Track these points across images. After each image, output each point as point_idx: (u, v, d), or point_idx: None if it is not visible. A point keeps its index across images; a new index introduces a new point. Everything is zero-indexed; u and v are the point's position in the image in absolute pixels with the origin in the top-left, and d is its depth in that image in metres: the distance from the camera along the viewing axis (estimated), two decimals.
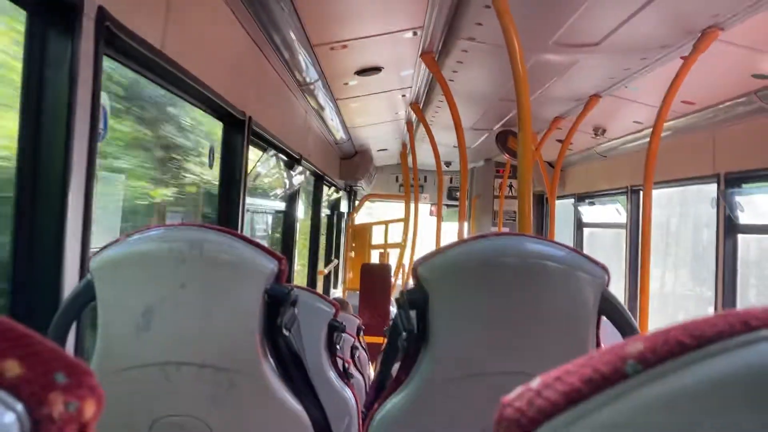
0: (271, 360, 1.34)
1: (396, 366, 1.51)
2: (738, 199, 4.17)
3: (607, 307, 1.32)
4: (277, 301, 1.32)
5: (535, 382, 0.40)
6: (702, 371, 0.34)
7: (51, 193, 1.52)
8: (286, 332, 1.32)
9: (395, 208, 10.05)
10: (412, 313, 1.34)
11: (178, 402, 1.31)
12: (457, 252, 1.37)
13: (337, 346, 2.41)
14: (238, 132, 3.12)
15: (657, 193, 4.99)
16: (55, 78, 1.50)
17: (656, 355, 0.36)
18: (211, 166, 3.12)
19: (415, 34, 3.69)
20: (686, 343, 0.36)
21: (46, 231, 1.52)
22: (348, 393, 2.32)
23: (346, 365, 2.88)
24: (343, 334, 2.60)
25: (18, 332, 0.40)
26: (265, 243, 5.34)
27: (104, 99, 1.71)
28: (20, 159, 1.52)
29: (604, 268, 1.34)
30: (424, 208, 9.95)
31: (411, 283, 1.39)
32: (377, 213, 11.25)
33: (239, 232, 3.12)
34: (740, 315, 0.36)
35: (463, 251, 1.37)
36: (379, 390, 1.60)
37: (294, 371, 1.36)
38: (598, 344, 1.33)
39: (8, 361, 0.37)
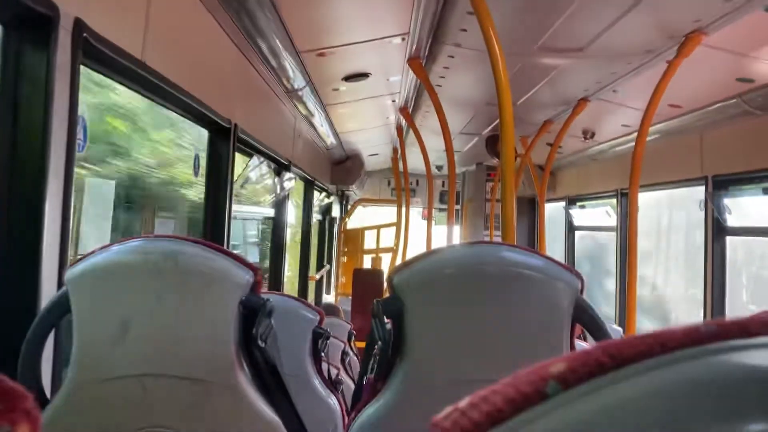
0: (247, 371, 1.34)
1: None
2: (726, 201, 4.20)
3: (581, 313, 1.33)
4: (252, 312, 1.32)
5: (464, 402, 0.40)
6: (619, 391, 0.35)
7: (28, 205, 1.52)
8: (261, 343, 1.32)
9: (388, 213, 10.06)
10: (388, 323, 1.35)
11: (155, 414, 1.31)
12: (433, 261, 1.37)
13: (322, 353, 2.41)
14: (224, 139, 3.12)
15: (647, 196, 5.02)
16: (31, 90, 1.50)
17: (576, 375, 0.36)
18: (196, 174, 3.12)
19: (402, 39, 3.70)
20: (605, 363, 0.36)
21: (23, 242, 1.52)
22: (333, 400, 2.31)
23: (336, 371, 2.88)
24: (333, 340, 2.60)
25: None
26: (255, 249, 5.31)
27: (83, 110, 1.70)
28: None
29: (578, 275, 1.34)
30: (417, 212, 9.97)
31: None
32: (370, 218, 11.25)
33: (226, 239, 3.14)
34: (658, 336, 0.36)
35: (439, 260, 1.37)
36: (357, 396, 1.60)
37: (270, 382, 1.37)
38: (572, 350, 1.34)
39: None
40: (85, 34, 1.62)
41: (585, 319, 1.33)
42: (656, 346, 0.36)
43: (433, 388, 1.32)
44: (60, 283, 1.59)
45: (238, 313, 1.31)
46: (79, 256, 2.10)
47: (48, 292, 1.55)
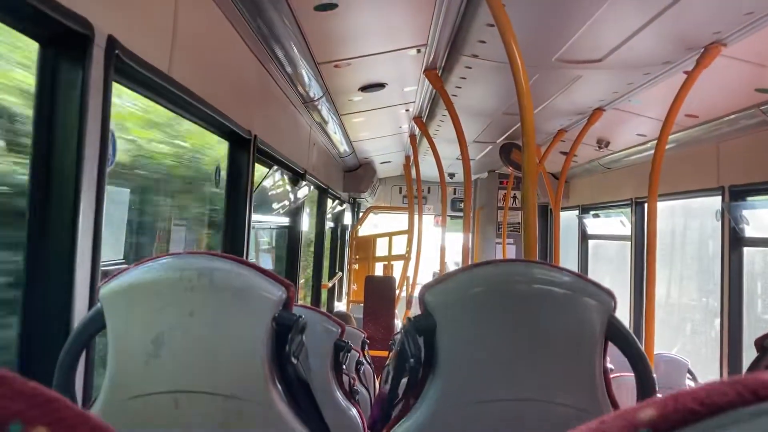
0: (280, 387, 1.34)
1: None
2: (743, 211, 4.18)
3: (614, 332, 1.32)
4: (285, 329, 1.33)
5: None
6: None
7: (62, 220, 1.53)
8: (294, 360, 1.33)
9: (401, 220, 10.06)
10: (420, 339, 1.35)
11: (187, 430, 1.31)
12: (464, 278, 1.38)
13: (344, 366, 2.41)
14: (244, 150, 3.14)
15: (661, 205, 5.00)
16: (66, 106, 1.52)
17: (668, 423, 0.37)
18: (217, 185, 3.14)
19: (418, 51, 3.71)
20: (698, 411, 0.36)
21: (56, 258, 1.53)
22: (354, 412, 2.32)
23: (352, 381, 2.89)
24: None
25: (46, 396, 0.41)
26: (269, 257, 5.33)
27: (112, 125, 1.72)
28: (32, 185, 1.53)
29: (610, 294, 1.34)
30: (428, 219, 9.97)
31: (416, 300, 1.40)
32: (382, 225, 11.25)
33: (245, 249, 3.15)
34: (749, 384, 0.37)
35: (470, 277, 1.38)
36: (386, 412, 1.60)
37: (302, 398, 1.37)
38: (604, 371, 1.34)
39: (38, 428, 0.38)
40: (117, 51, 1.64)
41: (618, 338, 1.33)
42: (747, 394, 0.37)
43: (465, 407, 1.33)
44: (92, 298, 1.60)
45: (271, 330, 1.32)
46: (103, 267, 2.12)
47: (81, 307, 1.56)
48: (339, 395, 2.29)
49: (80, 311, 1.54)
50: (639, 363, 1.35)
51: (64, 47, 1.52)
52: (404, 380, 1.53)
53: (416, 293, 7.32)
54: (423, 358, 1.35)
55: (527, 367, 1.32)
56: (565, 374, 1.32)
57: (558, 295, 1.33)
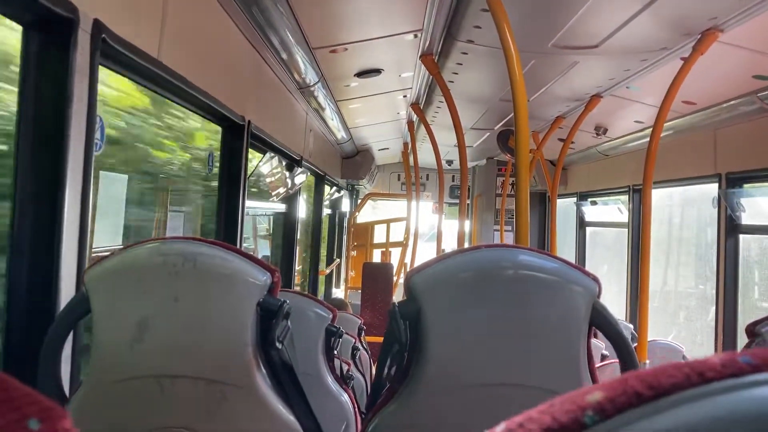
0: (264, 372, 1.35)
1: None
2: (739, 199, 4.17)
3: (598, 318, 1.33)
4: (270, 314, 1.33)
5: (500, 428, 0.41)
6: (657, 423, 0.35)
7: (47, 206, 1.53)
8: (279, 344, 1.34)
9: (400, 207, 10.06)
10: (405, 324, 1.35)
11: (172, 414, 1.32)
12: (450, 264, 1.38)
13: (335, 351, 2.42)
14: (238, 136, 3.13)
15: (658, 192, 5.00)
16: (51, 91, 1.51)
17: (614, 406, 0.36)
18: (210, 171, 3.14)
19: (415, 36, 3.69)
20: (643, 394, 0.36)
21: (41, 243, 1.53)
22: (345, 397, 2.33)
23: (347, 367, 2.89)
24: (344, 336, 2.61)
25: None
26: (266, 244, 5.33)
27: (100, 111, 1.72)
28: (16, 171, 1.53)
29: (596, 280, 1.34)
30: (427, 206, 9.96)
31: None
32: (381, 212, 11.25)
33: (239, 235, 3.15)
34: (696, 366, 0.37)
35: (456, 263, 1.38)
36: (374, 397, 1.61)
37: (287, 383, 1.38)
38: (589, 355, 1.34)
39: None
40: (103, 35, 1.63)
41: (602, 323, 1.33)
42: (694, 376, 0.36)
43: (449, 392, 1.33)
44: (78, 283, 1.60)
45: (256, 315, 1.33)
46: (93, 254, 2.12)
47: (67, 291, 1.56)
48: (330, 380, 2.30)
49: (67, 296, 1.55)
50: (622, 348, 1.35)
51: (48, 31, 1.51)
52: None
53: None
54: (408, 343, 1.35)
55: (512, 352, 1.33)
56: (550, 359, 1.32)
57: (544, 280, 1.33)
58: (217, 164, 3.17)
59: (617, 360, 2.17)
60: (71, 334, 1.48)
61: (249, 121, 3.18)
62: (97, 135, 1.72)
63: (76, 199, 1.58)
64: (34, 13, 1.47)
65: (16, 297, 1.52)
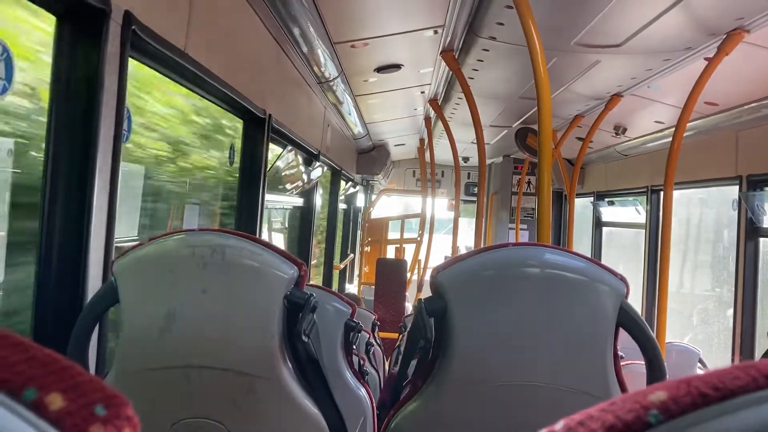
0: (290, 365, 1.35)
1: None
2: (760, 201, 4.13)
3: (626, 319, 1.32)
4: (297, 307, 1.34)
5: (559, 425, 0.41)
6: (725, 424, 0.35)
7: (76, 195, 1.54)
8: (305, 338, 1.34)
9: (415, 203, 10.05)
10: (431, 321, 1.35)
11: (198, 405, 1.33)
12: (477, 261, 1.37)
13: (354, 346, 2.42)
14: (259, 129, 3.14)
15: (677, 194, 4.95)
16: (83, 81, 1.53)
17: (678, 406, 0.36)
18: (231, 163, 3.15)
19: (435, 32, 3.68)
20: (709, 395, 0.36)
21: (70, 232, 1.55)
22: (363, 392, 2.33)
23: (361, 362, 2.90)
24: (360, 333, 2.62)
25: (61, 364, 0.41)
26: (282, 237, 5.34)
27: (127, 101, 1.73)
28: (47, 161, 1.54)
29: (623, 280, 1.34)
30: (442, 203, 9.94)
31: (429, 283, 1.40)
32: (396, 209, 11.24)
33: (258, 228, 3.17)
34: (762, 369, 0.36)
35: (483, 261, 1.37)
36: (395, 393, 1.61)
37: (312, 376, 1.38)
38: (615, 356, 1.33)
39: (52, 394, 0.39)
40: (133, 27, 1.64)
41: (630, 324, 1.33)
42: (761, 379, 0.36)
43: (474, 389, 1.33)
44: (106, 273, 1.62)
45: (283, 308, 1.33)
46: (117, 244, 2.14)
47: (94, 281, 1.58)
48: (348, 375, 2.31)
49: (94, 286, 1.56)
50: (650, 350, 1.34)
51: (80, 22, 1.52)
52: (413, 362, 1.53)
53: (427, 276, 7.32)
54: (433, 339, 1.35)
55: (538, 351, 1.32)
56: (577, 359, 1.32)
57: (571, 280, 1.32)
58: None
59: (634, 361, 2.15)
60: (98, 324, 1.49)
61: (270, 115, 3.19)
62: (125, 125, 1.73)
63: (105, 189, 1.59)
64: (67, 4, 1.48)
65: (45, 287, 1.54)
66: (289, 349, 1.35)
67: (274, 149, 4.04)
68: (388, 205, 11.00)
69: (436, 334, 1.35)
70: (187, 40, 2.05)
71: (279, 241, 5.75)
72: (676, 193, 3.82)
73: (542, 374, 1.31)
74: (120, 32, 1.60)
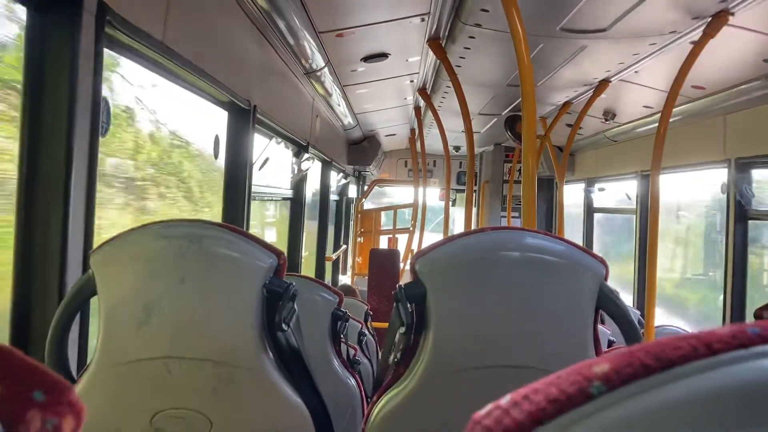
0: (271, 354, 1.35)
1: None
2: (748, 184, 4.14)
3: (605, 300, 1.32)
4: (276, 296, 1.33)
5: (505, 400, 0.40)
6: (665, 394, 0.34)
7: (53, 187, 1.53)
8: (285, 327, 1.33)
9: (407, 193, 10.05)
10: (410, 306, 1.35)
11: (178, 395, 1.33)
12: (456, 246, 1.37)
13: (341, 335, 2.42)
14: (244, 121, 3.12)
15: (666, 178, 4.96)
16: (56, 73, 1.51)
17: (620, 377, 0.36)
18: (216, 156, 3.13)
19: (422, 20, 3.66)
20: (650, 365, 0.36)
21: (48, 225, 1.54)
22: (352, 381, 2.33)
23: (353, 352, 2.90)
24: (350, 321, 2.62)
25: None
26: (272, 230, 5.32)
27: (107, 93, 1.71)
28: (22, 153, 1.53)
29: (603, 262, 1.34)
30: (434, 192, 9.94)
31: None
32: (388, 199, 11.24)
33: (245, 220, 3.15)
34: (703, 338, 0.36)
35: (462, 245, 1.37)
36: (378, 380, 1.61)
37: (293, 365, 1.38)
38: (596, 337, 1.34)
39: None
40: (108, 17, 1.62)
41: (609, 306, 1.33)
42: (701, 348, 0.36)
43: (455, 373, 1.33)
44: (85, 266, 1.61)
45: (262, 297, 1.32)
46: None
47: (74, 274, 1.57)
48: (336, 364, 2.30)
49: (73, 278, 1.55)
50: (629, 331, 1.35)
51: (53, 13, 1.50)
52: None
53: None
54: (414, 325, 1.35)
55: (518, 334, 1.32)
56: (557, 341, 1.32)
57: (549, 262, 1.32)
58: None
59: (625, 346, 2.15)
60: (78, 316, 1.48)
61: (255, 106, 3.17)
62: (103, 117, 1.72)
63: (82, 180, 1.58)
64: None
65: (23, 279, 1.53)
66: (269, 339, 1.35)
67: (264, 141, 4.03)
68: (380, 195, 11.00)
69: (417, 320, 1.35)
70: (166, 31, 2.04)
71: (270, 234, 5.74)
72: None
73: (522, 356, 1.31)
74: (94, 22, 1.58)
